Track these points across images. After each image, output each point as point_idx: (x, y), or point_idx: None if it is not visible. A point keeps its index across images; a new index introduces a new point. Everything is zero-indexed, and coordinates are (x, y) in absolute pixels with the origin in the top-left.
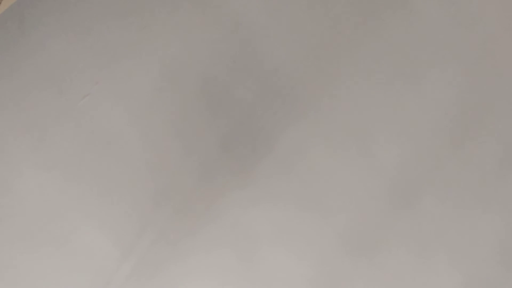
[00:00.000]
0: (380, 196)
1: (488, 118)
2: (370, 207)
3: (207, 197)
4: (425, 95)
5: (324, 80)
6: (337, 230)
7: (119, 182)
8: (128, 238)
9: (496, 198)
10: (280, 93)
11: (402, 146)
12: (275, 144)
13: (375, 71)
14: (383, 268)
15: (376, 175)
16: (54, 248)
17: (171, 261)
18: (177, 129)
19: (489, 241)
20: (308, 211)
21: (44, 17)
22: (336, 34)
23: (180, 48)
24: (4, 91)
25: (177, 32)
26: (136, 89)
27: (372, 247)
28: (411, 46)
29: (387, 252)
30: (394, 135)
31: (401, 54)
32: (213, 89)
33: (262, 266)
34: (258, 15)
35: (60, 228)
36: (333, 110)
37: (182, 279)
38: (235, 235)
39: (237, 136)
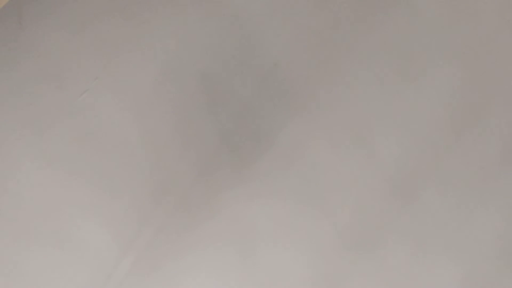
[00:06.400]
0: (380, 192)
1: (487, 113)
2: (369, 202)
3: (207, 193)
4: (424, 90)
5: (324, 75)
6: (337, 225)
7: (119, 178)
8: (128, 233)
9: (496, 193)
10: (280, 88)
11: (402, 141)
12: (275, 139)
13: (374, 66)
14: (382, 263)
15: (376, 170)
16: (54, 243)
17: (170, 256)
18: (176, 124)
19: (489, 236)
20: (307, 206)
21: (43, 12)
22: (336, 29)
23: (179, 43)
24: (3, 87)
25: (177, 28)
26: (135, 84)
27: (371, 242)
28: (410, 41)
29: (386, 247)
30: (394, 130)
31: (401, 49)
32: (212, 85)
33: (262, 262)
34: (257, 10)
35: (59, 224)
36: (333, 105)
37: (181, 274)
38: (234, 230)
39: (237, 131)
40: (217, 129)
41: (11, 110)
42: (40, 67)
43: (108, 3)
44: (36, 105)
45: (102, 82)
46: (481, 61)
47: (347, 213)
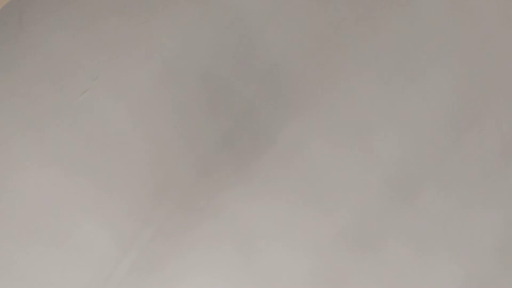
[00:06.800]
0: (380, 191)
1: (488, 113)
2: (370, 202)
3: (207, 192)
4: (425, 90)
5: (324, 75)
6: (337, 225)
7: (119, 178)
8: (128, 233)
9: (496, 193)
10: (280, 88)
11: (402, 141)
12: (275, 139)
13: (375, 66)
14: (383, 263)
15: (376, 170)
16: (54, 243)
17: (171, 256)
18: (176, 124)
19: (489, 236)
20: (308, 206)
21: (44, 12)
22: (336, 29)
23: (180, 43)
24: (3, 87)
25: (177, 28)
26: (135, 84)
27: (372, 242)
28: (411, 41)
29: (387, 247)
30: (394, 130)
31: (402, 49)
32: (213, 85)
33: (262, 261)
34: (257, 10)
35: (59, 224)
36: (333, 105)
37: (182, 274)
38: (235, 230)
39: (237, 131)
40: (217, 129)
41: (10, 110)
42: (40, 67)
43: (108, 3)
44: (36, 105)
45: (102, 82)
46: (481, 61)
47: (347, 213)
